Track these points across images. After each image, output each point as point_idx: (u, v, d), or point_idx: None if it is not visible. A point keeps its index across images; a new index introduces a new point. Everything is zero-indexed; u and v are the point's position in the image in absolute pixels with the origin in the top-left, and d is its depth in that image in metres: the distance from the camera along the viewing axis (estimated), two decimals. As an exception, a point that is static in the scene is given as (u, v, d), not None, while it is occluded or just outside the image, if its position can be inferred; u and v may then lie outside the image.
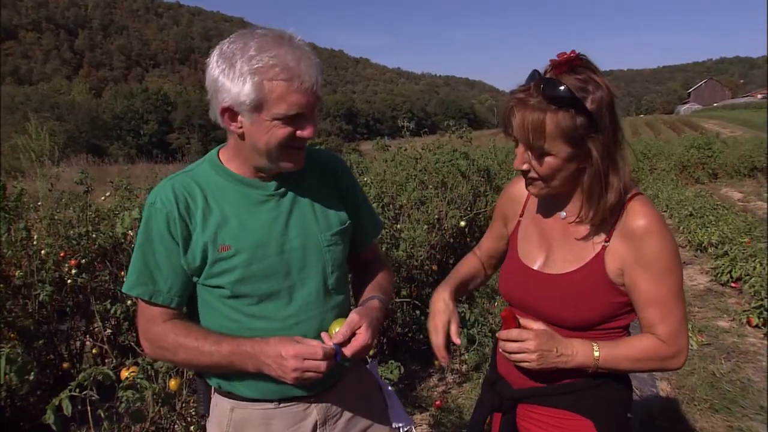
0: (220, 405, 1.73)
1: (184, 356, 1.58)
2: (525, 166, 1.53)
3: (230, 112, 1.52)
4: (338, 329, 1.56)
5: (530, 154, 1.50)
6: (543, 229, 1.70)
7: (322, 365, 1.49)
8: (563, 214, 1.63)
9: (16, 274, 4.14)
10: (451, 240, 6.31)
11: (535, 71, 1.48)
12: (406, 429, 1.94)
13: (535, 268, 1.66)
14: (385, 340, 4.66)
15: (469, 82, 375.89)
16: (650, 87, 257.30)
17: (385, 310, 1.74)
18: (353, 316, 1.58)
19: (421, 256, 5.21)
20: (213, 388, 1.75)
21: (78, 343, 4.57)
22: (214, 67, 1.50)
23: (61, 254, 4.45)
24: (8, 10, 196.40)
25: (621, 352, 1.53)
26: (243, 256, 1.59)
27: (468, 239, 6.64)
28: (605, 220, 1.55)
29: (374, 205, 5.29)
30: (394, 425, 1.89)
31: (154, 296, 1.60)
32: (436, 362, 4.62)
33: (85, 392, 1.76)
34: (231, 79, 1.46)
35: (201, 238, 1.58)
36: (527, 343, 1.54)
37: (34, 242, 4.59)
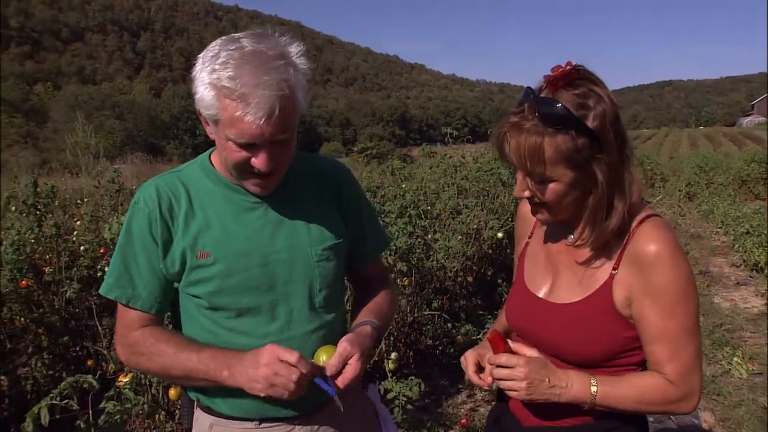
0: (200, 420, 1.65)
1: (160, 362, 1.50)
2: (526, 194, 1.40)
3: (201, 116, 1.45)
4: (324, 357, 1.47)
5: (531, 180, 1.37)
6: (550, 253, 1.56)
7: (291, 386, 1.40)
8: (570, 238, 1.49)
9: (46, 270, 4.19)
10: (490, 251, 6.15)
11: (529, 89, 1.35)
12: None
13: (540, 295, 1.53)
14: (411, 353, 4.52)
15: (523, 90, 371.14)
16: (711, 98, 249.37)
17: (379, 336, 1.64)
18: (344, 345, 1.47)
19: (454, 267, 5.08)
20: (195, 402, 1.67)
21: (106, 341, 4.60)
22: (197, 62, 1.43)
23: (101, 251, 4.47)
24: (76, 13, 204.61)
25: (621, 391, 1.38)
26: (222, 265, 1.51)
27: (508, 251, 6.45)
28: (611, 245, 1.41)
29: (412, 213, 5.18)
30: (388, 451, 1.77)
31: (133, 301, 1.53)
32: (466, 378, 4.49)
33: (65, 401, 1.69)
34: (200, 83, 1.39)
35: (181, 243, 1.51)
36: (516, 370, 1.41)
37: (73, 239, 4.66)
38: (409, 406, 3.07)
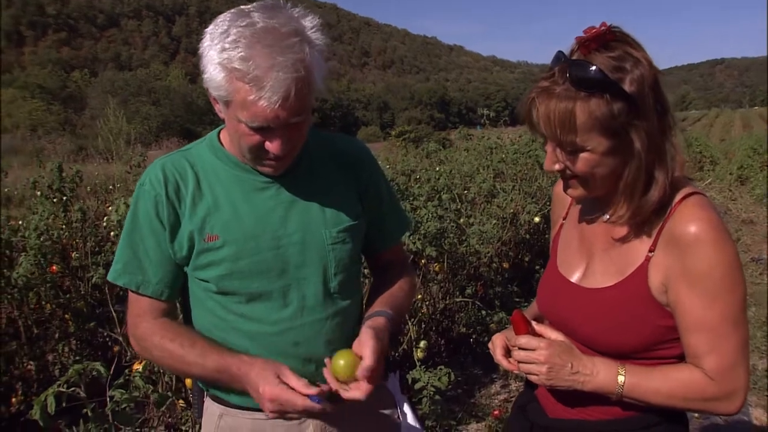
0: (210, 409, 1.63)
1: (169, 363, 1.49)
2: (557, 166, 1.32)
3: (210, 95, 1.40)
4: (343, 362, 1.39)
5: (561, 151, 1.29)
6: (584, 235, 1.48)
7: (299, 410, 1.37)
8: (606, 216, 1.40)
9: (73, 255, 4.24)
10: (527, 236, 6.04)
11: (560, 52, 1.26)
12: (421, 451, 1.75)
13: (573, 280, 1.45)
14: (443, 341, 4.47)
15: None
16: None
17: (393, 328, 1.57)
18: (368, 361, 1.39)
19: (489, 252, 4.99)
20: (204, 391, 1.64)
21: (123, 327, 4.66)
22: (205, 38, 1.37)
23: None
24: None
25: (653, 384, 1.28)
26: (231, 248, 1.46)
27: (546, 236, 6.33)
28: (649, 224, 1.31)
29: (444, 197, 5.12)
30: (407, 447, 1.71)
31: (143, 287, 1.50)
32: (500, 367, 4.42)
33: (72, 389, 1.68)
34: (208, 61, 1.33)
35: (188, 225, 1.47)
36: (537, 353, 1.33)
37: (104, 224, 4.72)
38: (437, 397, 3.01)
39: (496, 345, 1.46)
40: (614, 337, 1.33)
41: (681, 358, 1.33)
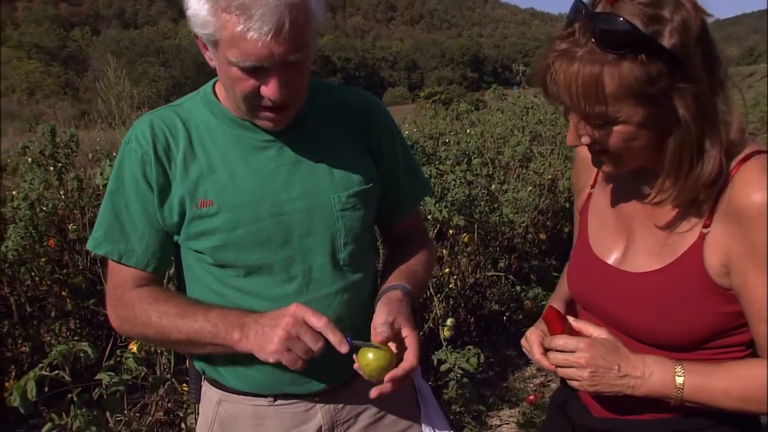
0: (208, 395, 1.60)
1: (158, 325, 1.41)
2: (584, 140, 1.21)
3: (198, 39, 1.33)
4: (371, 356, 1.31)
5: (588, 124, 1.19)
6: (621, 208, 1.37)
7: (310, 355, 1.30)
8: (646, 188, 1.29)
9: (70, 227, 4.25)
10: (567, 205, 5.94)
11: (579, 2, 1.14)
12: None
13: (610, 262, 1.35)
14: (472, 319, 4.42)
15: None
16: None
17: (411, 303, 1.51)
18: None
19: (524, 222, 4.92)
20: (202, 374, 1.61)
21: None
22: None
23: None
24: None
25: (720, 385, 1.18)
26: (226, 215, 1.41)
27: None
28: (701, 198, 1.20)
29: (475, 161, 5.03)
30: (426, 437, 1.66)
31: (126, 257, 1.45)
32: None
33: (56, 372, 1.65)
34: None
35: (179, 188, 1.42)
36: (577, 355, 1.24)
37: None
38: (465, 380, 2.96)
39: (533, 343, 1.37)
40: (664, 327, 1.24)
41: (749, 346, 1.24)
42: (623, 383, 1.22)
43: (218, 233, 1.41)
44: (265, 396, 1.51)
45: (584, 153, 1.43)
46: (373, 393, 1.33)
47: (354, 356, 1.34)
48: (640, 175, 1.30)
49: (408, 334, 1.35)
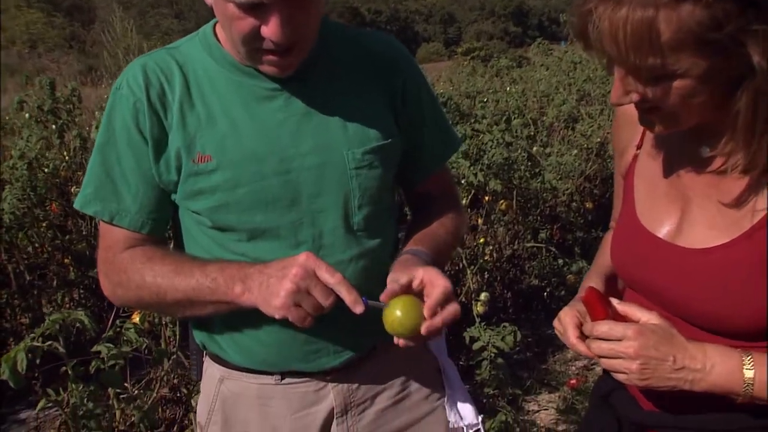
0: (209, 371, 1.58)
1: (153, 286, 1.38)
2: (634, 97, 1.13)
3: None
4: (399, 313, 1.26)
5: (637, 79, 1.11)
6: (674, 173, 1.29)
7: (320, 312, 1.25)
8: (706, 150, 1.21)
9: (73, 190, 4.26)
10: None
11: None
12: (470, 429, 1.66)
13: (662, 236, 1.28)
14: (509, 294, 4.39)
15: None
16: None
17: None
18: (439, 292, 1.27)
19: (568, 189, 4.84)
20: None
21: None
22: None
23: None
24: None
25: None
26: (227, 172, 1.36)
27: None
28: None
29: (515, 121, 4.95)
30: (451, 423, 1.63)
31: (119, 217, 1.41)
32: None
33: (48, 343, 1.64)
34: None
35: (176, 141, 1.38)
36: (624, 344, 1.16)
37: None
38: (500, 360, 2.92)
39: (567, 325, 1.30)
40: (729, 312, 1.16)
41: None
42: (680, 377, 1.15)
43: (218, 192, 1.36)
44: (272, 374, 1.48)
45: (628, 108, 1.35)
46: (401, 343, 1.29)
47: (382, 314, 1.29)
48: (697, 134, 1.22)
49: (437, 281, 1.28)
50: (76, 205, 1.44)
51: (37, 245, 4.00)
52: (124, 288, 1.42)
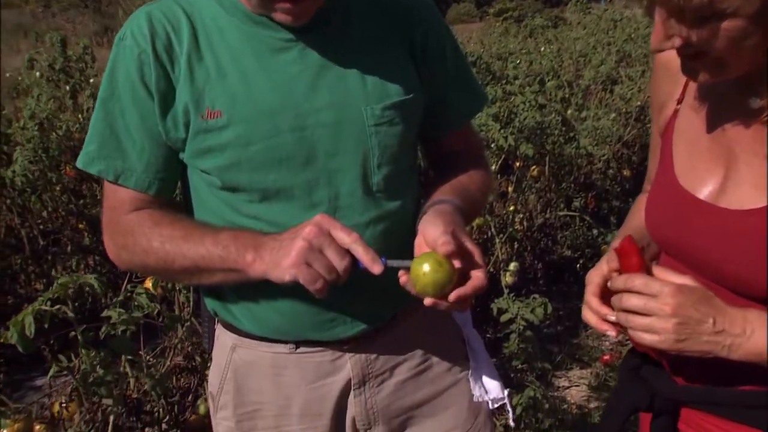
0: (221, 339, 1.57)
1: (160, 249, 1.36)
2: (675, 42, 1.08)
3: None
4: (428, 267, 1.19)
5: (680, 21, 1.05)
6: (718, 128, 1.24)
7: (333, 275, 1.21)
8: (756, 101, 1.16)
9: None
10: (657, 136, 5.78)
11: None
12: (496, 403, 1.64)
13: (703, 197, 1.23)
14: (540, 265, 4.36)
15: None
16: None
17: (463, 216, 1.40)
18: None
19: (605, 155, 4.78)
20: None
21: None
22: None
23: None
24: None
25: None
26: (238, 128, 1.33)
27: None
28: None
29: (549, 84, 4.88)
30: (475, 397, 1.60)
31: (124, 176, 1.39)
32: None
33: (57, 306, 1.64)
34: None
35: (183, 95, 1.35)
36: (660, 300, 1.12)
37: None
38: (529, 333, 2.90)
39: (590, 281, 1.26)
40: None
41: None
42: (717, 341, 1.11)
43: (228, 150, 1.34)
44: (285, 342, 1.47)
45: (667, 57, 1.29)
46: (428, 302, 1.23)
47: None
48: (746, 82, 1.16)
49: (473, 249, 1.26)
50: (79, 164, 1.42)
51: (50, 209, 4.02)
52: (129, 252, 1.41)
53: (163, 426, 2.35)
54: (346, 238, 1.20)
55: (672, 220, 1.28)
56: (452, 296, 1.22)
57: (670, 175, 1.30)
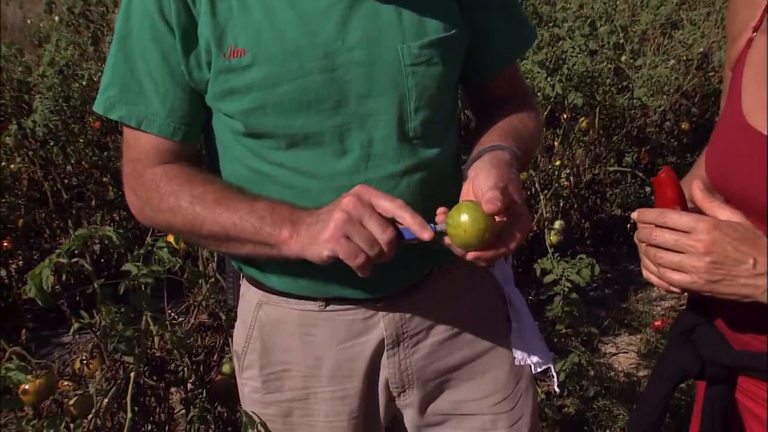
0: (246, 296, 1.57)
1: (188, 210, 1.35)
2: None
3: None
4: (467, 218, 1.15)
5: None
6: None
7: (375, 249, 1.17)
8: None
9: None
10: (720, 86, 5.64)
11: None
12: (539, 368, 1.62)
13: None
14: (587, 224, 4.32)
15: None
16: None
17: (519, 166, 1.36)
18: (488, 186, 1.18)
19: (661, 106, 4.68)
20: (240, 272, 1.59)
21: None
22: None
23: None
24: None
25: None
26: (263, 69, 1.30)
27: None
28: None
29: (601, 28, 4.77)
30: (517, 360, 1.58)
31: (147, 122, 1.38)
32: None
33: (74, 259, 1.64)
34: None
35: (205, 31, 1.32)
36: (695, 236, 1.09)
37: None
38: (575, 296, 2.87)
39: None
40: None
41: None
42: (758, 284, 1.07)
43: (252, 92, 1.31)
44: (315, 299, 1.46)
45: None
46: (471, 255, 1.19)
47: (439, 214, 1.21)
48: None
49: (522, 211, 1.22)
50: (98, 109, 1.41)
51: (74, 162, 4.05)
52: (153, 209, 1.40)
53: (189, 386, 2.37)
54: (389, 204, 1.16)
55: (736, 163, 1.23)
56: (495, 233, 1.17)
57: (736, 111, 1.25)
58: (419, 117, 1.37)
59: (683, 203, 1.18)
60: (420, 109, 1.37)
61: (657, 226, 1.14)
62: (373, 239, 1.16)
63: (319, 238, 1.19)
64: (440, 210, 1.21)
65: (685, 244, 1.09)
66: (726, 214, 1.14)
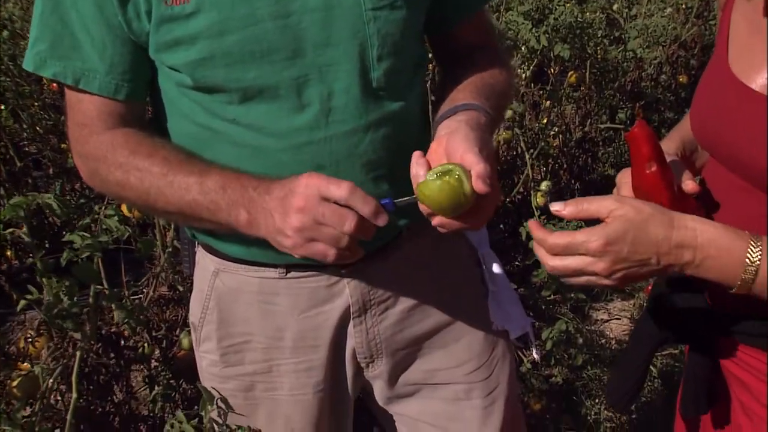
0: (202, 263, 1.57)
1: (138, 187, 1.35)
2: None
3: None
4: (438, 183, 1.14)
5: None
6: None
7: (344, 241, 1.16)
8: None
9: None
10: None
11: None
12: (516, 333, 1.63)
13: (756, 87, 1.19)
14: (577, 185, 4.34)
15: None
16: None
17: (492, 131, 1.38)
18: (476, 157, 1.16)
19: (656, 59, 4.67)
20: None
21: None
22: None
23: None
24: None
25: None
26: (210, 16, 1.28)
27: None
28: None
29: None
30: (494, 325, 1.59)
31: (85, 79, 1.36)
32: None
33: (10, 230, 1.65)
34: None
35: None
36: (594, 263, 1.14)
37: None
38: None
39: (620, 183, 1.34)
40: None
41: None
42: (667, 269, 1.13)
43: (199, 41, 1.29)
44: (275, 266, 1.46)
45: None
46: (436, 221, 1.21)
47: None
48: None
49: (495, 184, 1.20)
50: (27, 66, 1.38)
51: (26, 127, 4.00)
52: (102, 180, 1.41)
53: (153, 363, 2.37)
54: (338, 192, 1.14)
55: (718, 115, 1.25)
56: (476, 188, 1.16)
57: (722, 60, 1.28)
58: (383, 66, 1.37)
59: (660, 159, 1.21)
60: (383, 57, 1.36)
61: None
62: (337, 236, 1.16)
63: (284, 245, 1.20)
64: (417, 155, 1.21)
65: (588, 270, 1.15)
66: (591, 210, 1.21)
